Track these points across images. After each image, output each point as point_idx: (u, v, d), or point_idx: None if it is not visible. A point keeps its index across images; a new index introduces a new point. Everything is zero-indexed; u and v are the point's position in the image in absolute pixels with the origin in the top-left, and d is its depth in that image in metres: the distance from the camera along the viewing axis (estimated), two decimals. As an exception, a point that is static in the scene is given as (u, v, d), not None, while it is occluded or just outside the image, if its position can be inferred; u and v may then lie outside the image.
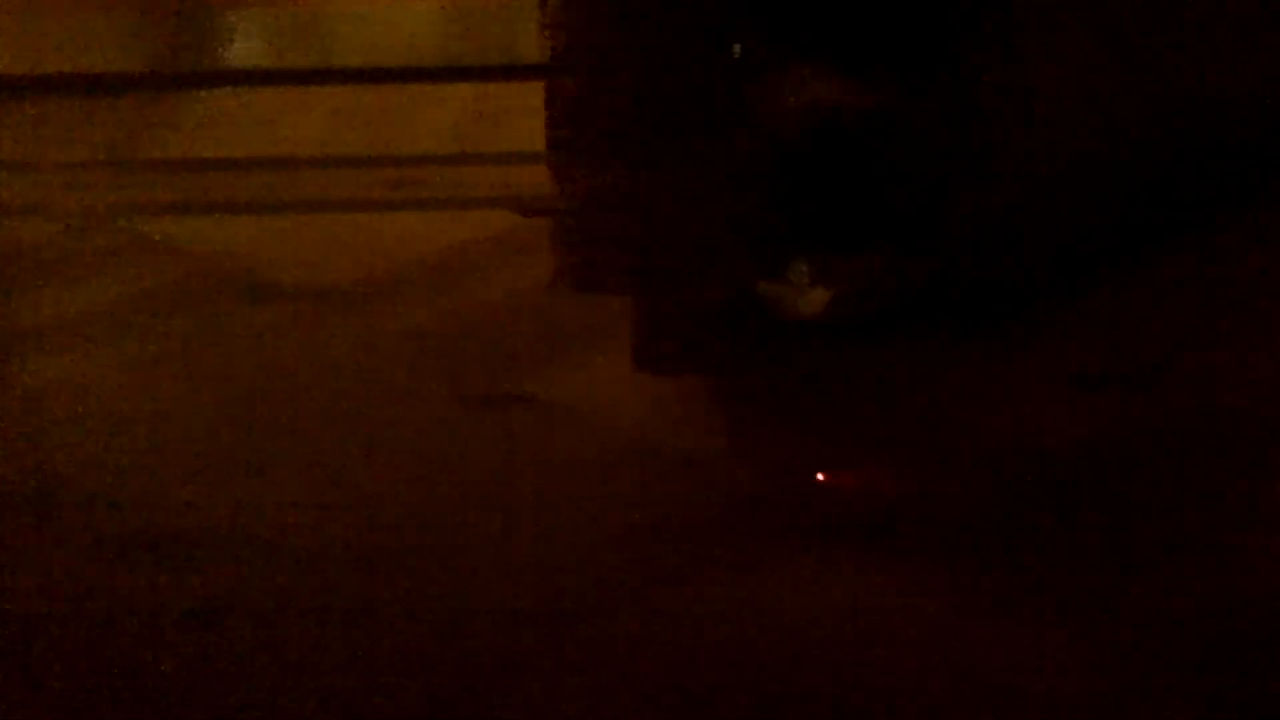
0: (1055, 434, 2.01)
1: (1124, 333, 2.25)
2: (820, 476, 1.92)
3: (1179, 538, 1.80)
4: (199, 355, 2.25)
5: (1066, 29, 2.19)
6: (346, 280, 2.46)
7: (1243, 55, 2.49)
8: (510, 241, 2.59)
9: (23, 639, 1.67)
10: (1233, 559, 1.76)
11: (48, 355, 2.25)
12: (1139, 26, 2.31)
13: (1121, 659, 1.60)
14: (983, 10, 2.14)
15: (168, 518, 1.87)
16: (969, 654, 1.62)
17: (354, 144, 3.06)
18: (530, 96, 3.11)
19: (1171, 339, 2.23)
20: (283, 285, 2.44)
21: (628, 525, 1.84)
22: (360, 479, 1.94)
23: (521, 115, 3.13)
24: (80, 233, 2.66)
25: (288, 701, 1.57)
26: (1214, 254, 2.47)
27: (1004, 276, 2.28)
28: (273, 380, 2.17)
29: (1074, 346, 2.21)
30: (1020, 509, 1.86)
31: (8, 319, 2.38)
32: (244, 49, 3.74)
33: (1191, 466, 1.94)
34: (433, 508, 1.88)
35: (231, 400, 2.12)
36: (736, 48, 2.03)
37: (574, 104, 1.96)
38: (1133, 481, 1.91)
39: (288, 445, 2.01)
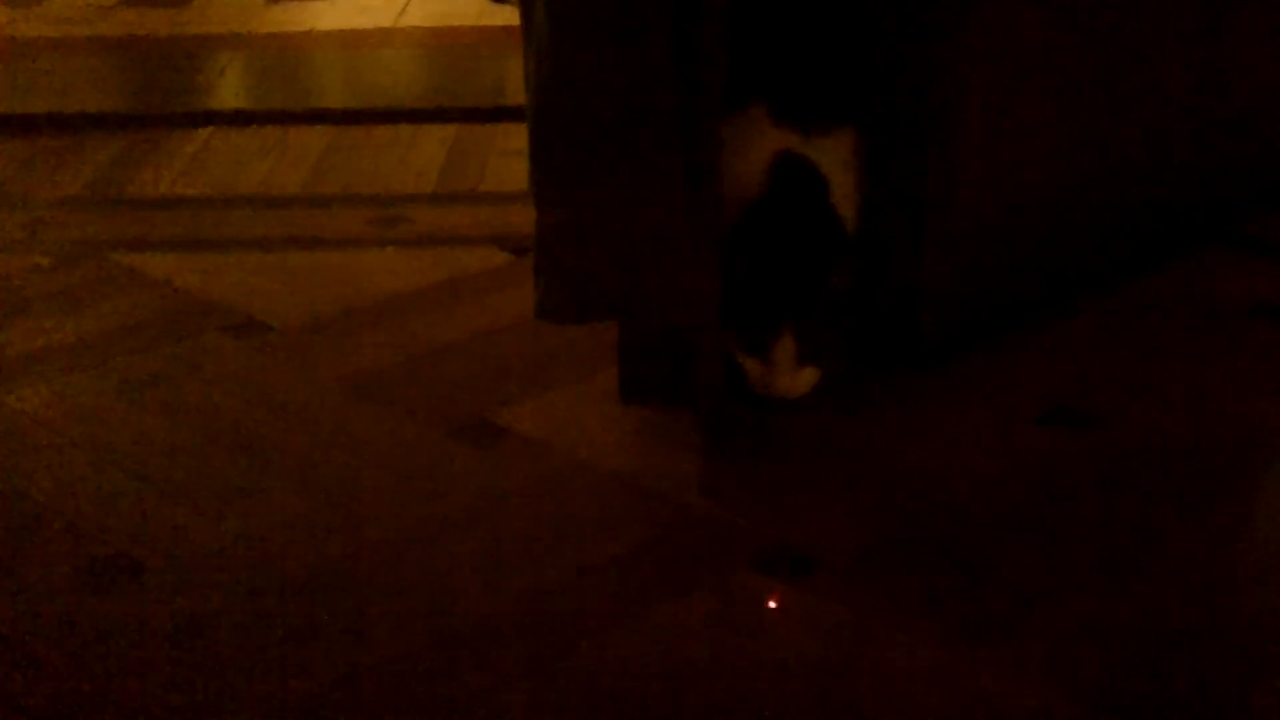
0: (1026, 468, 2.05)
1: (1077, 370, 2.29)
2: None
3: (1133, 566, 1.84)
4: (183, 386, 2.27)
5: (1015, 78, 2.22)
6: (330, 314, 2.49)
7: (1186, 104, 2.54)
8: (495, 278, 2.63)
9: (5, 664, 1.69)
10: (1181, 587, 1.81)
11: (35, 384, 2.27)
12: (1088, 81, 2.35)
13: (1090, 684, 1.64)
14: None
15: (149, 543, 1.89)
16: (946, 682, 1.64)
17: (338, 184, 3.10)
18: (513, 137, 3.17)
19: (1122, 377, 2.28)
20: (267, 319, 2.47)
21: (605, 557, 1.87)
22: (343, 509, 1.96)
23: (504, 155, 3.19)
24: (69, 266, 2.69)
25: None
26: (1164, 292, 2.52)
27: (963, 317, 2.30)
28: (255, 411, 2.19)
29: (1035, 385, 2.25)
30: (991, 542, 1.89)
31: (-3, 348, 2.40)
32: (229, 90, 3.78)
33: (1143, 502, 1.98)
34: (414, 538, 1.90)
35: (214, 430, 2.14)
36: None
37: (555, 146, 1.98)
38: (1092, 515, 1.95)
39: (270, 475, 2.03)
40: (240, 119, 3.47)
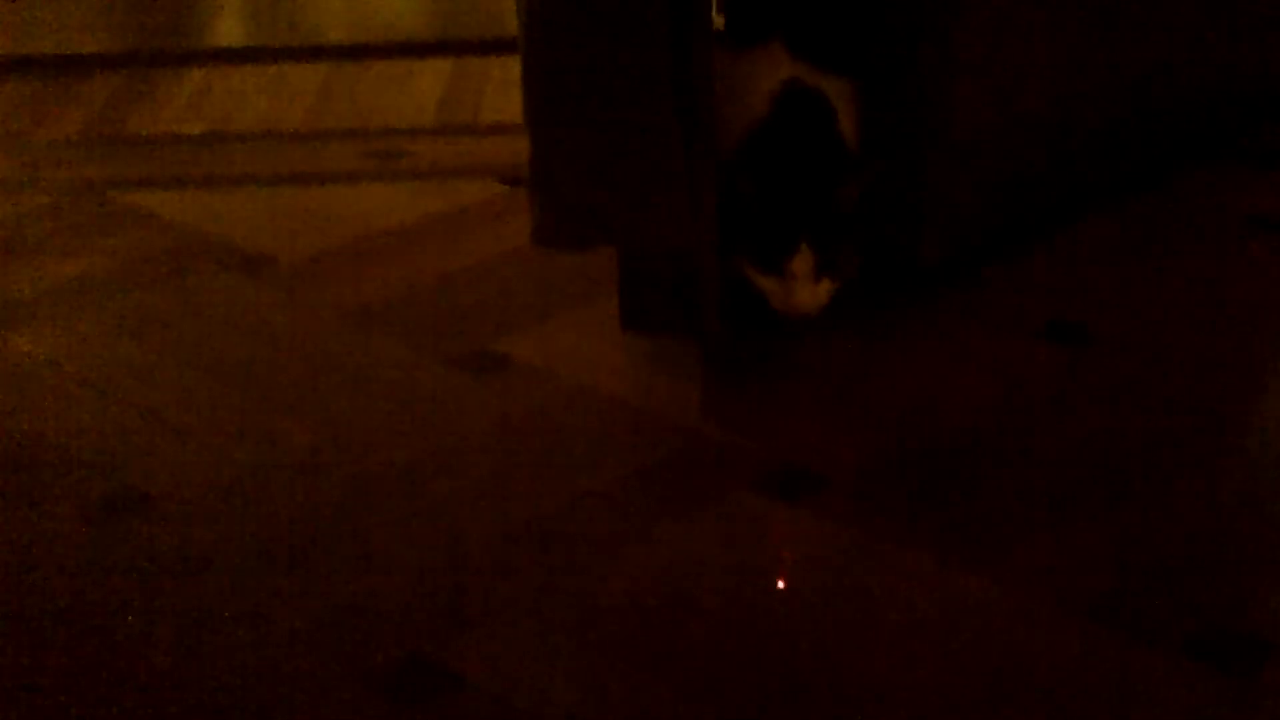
0: (1027, 388, 2.05)
1: (1079, 288, 2.30)
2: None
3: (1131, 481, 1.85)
4: (186, 323, 2.28)
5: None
6: (331, 248, 2.50)
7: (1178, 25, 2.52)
8: (494, 209, 2.63)
9: (15, 598, 1.70)
10: (1183, 505, 1.82)
11: (36, 323, 2.28)
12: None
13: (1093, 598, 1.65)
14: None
15: (156, 479, 1.90)
16: (947, 602, 1.66)
17: (336, 119, 3.09)
18: (511, 69, 3.15)
19: (1124, 295, 2.27)
20: (268, 255, 2.47)
21: (609, 481, 1.88)
22: (346, 442, 1.97)
23: (501, 87, 3.18)
24: (70, 206, 2.69)
25: (275, 654, 1.60)
26: (1165, 208, 2.52)
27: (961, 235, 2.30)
28: (258, 347, 2.20)
29: (1037, 304, 2.25)
30: (993, 462, 1.90)
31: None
32: (226, 28, 3.77)
33: (1145, 420, 1.98)
34: (417, 470, 1.91)
35: (218, 367, 2.15)
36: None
37: (547, 74, 1.97)
38: (1094, 434, 1.95)
39: (274, 410, 2.04)
40: (238, 56, 3.45)
